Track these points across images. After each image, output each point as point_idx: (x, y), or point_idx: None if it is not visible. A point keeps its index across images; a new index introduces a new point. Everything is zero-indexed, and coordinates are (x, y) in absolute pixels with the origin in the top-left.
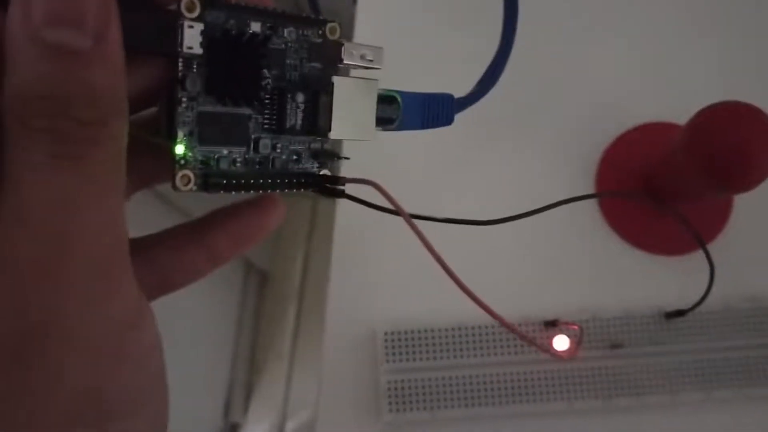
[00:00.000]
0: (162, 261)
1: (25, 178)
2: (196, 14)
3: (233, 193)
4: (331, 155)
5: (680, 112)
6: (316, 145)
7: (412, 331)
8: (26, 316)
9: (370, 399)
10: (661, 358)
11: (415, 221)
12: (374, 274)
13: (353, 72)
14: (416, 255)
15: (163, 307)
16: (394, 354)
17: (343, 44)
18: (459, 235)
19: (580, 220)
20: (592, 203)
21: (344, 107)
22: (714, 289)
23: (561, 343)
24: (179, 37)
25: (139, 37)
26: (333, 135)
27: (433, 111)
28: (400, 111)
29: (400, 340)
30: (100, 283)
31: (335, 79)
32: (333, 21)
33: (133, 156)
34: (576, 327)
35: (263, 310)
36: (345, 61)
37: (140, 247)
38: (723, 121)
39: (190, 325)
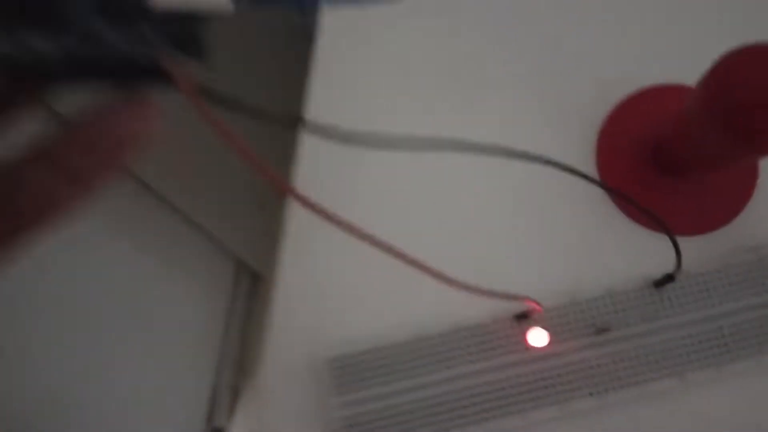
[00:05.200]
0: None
1: None
2: None
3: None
4: (193, 43)
5: (689, 73)
6: (171, 29)
7: (363, 353)
8: None
9: None
10: (658, 335)
11: None
12: (320, 292)
13: None
14: (360, 266)
15: (144, 302)
16: (345, 384)
17: None
18: (424, 210)
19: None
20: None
21: None
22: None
23: (537, 337)
24: None
25: None
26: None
27: None
28: None
29: (350, 365)
30: None
31: None
32: None
33: None
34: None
35: (255, 312)
36: None
37: None
38: (745, 66)
39: (174, 324)
